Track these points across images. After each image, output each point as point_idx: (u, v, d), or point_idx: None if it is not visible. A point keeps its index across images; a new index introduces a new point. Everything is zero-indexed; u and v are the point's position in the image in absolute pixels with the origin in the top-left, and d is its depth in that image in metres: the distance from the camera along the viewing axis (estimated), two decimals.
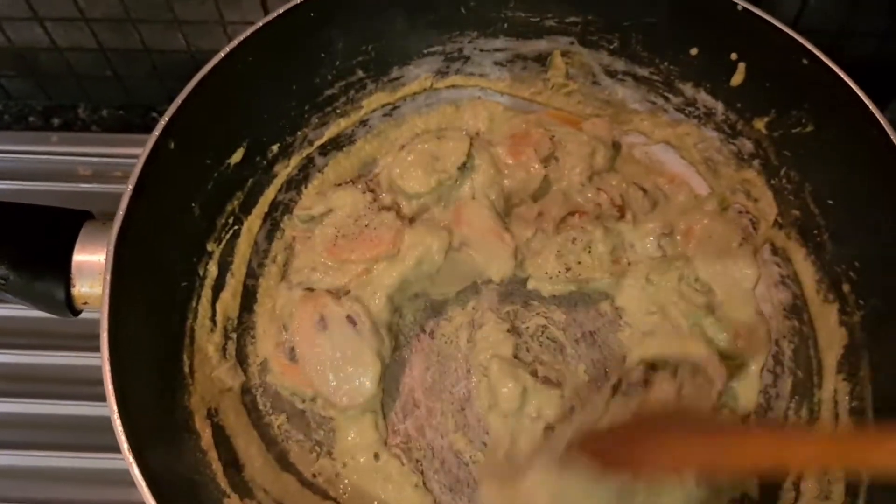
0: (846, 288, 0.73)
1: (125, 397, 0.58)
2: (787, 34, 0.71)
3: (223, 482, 0.68)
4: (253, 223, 0.79)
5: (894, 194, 0.67)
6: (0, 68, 1.03)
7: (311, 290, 0.76)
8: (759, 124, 0.78)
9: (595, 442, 0.63)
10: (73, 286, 0.62)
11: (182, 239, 0.72)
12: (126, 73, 1.03)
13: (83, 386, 0.86)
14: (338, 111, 0.83)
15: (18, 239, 0.62)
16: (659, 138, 0.86)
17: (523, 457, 0.71)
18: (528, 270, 0.78)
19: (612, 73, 0.85)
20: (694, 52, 0.79)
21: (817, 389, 0.74)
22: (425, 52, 0.84)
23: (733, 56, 0.76)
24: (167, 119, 0.66)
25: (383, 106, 0.86)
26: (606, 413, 0.68)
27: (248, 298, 0.78)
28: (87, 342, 0.87)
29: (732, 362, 0.75)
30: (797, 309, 0.78)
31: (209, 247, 0.75)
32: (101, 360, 0.58)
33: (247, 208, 0.79)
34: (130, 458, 0.55)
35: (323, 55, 0.79)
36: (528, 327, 0.80)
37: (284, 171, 0.81)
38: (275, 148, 0.80)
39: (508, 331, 0.77)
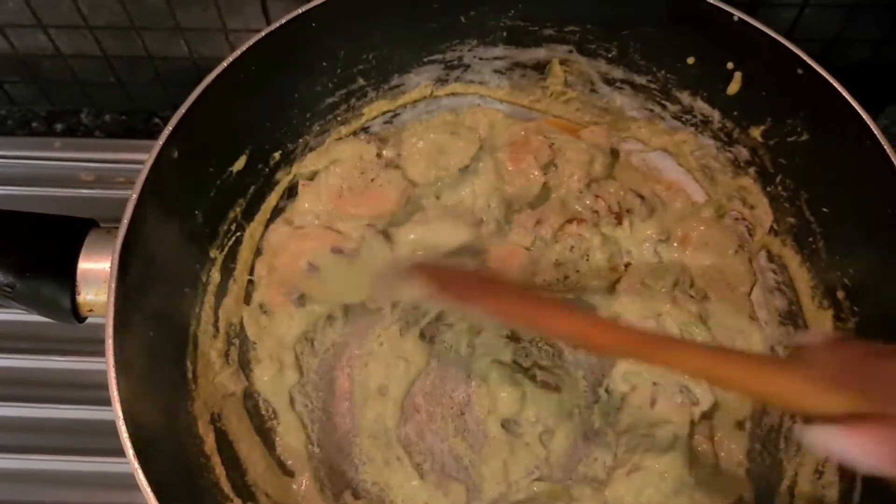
0: (841, 295, 0.74)
1: (130, 403, 0.58)
2: (783, 44, 0.71)
3: (226, 486, 0.69)
4: (255, 230, 0.80)
5: (888, 202, 0.68)
6: (4, 74, 1.04)
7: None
8: (755, 132, 0.79)
9: (436, 269, 0.67)
10: (79, 294, 0.63)
11: (185, 246, 0.72)
12: (129, 80, 1.04)
13: (87, 390, 0.87)
14: (339, 119, 0.84)
15: (24, 247, 0.63)
16: (656, 145, 0.87)
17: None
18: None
19: (610, 81, 0.85)
20: (691, 61, 0.80)
21: None
22: (425, 60, 0.84)
23: (729, 65, 0.77)
24: (171, 129, 0.66)
25: (384, 113, 0.86)
26: None
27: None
28: (91, 346, 0.88)
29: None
30: (792, 315, 0.79)
31: (212, 253, 0.76)
32: (107, 366, 0.58)
33: (249, 215, 0.79)
34: (136, 465, 0.56)
35: (324, 64, 0.79)
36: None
37: (286, 178, 0.82)
38: (277, 155, 0.80)
39: (507, 336, 0.78)
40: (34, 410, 0.86)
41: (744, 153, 0.81)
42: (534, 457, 0.76)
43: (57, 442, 0.85)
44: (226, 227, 0.77)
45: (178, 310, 0.72)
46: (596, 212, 0.80)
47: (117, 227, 0.62)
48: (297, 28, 0.73)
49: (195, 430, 0.68)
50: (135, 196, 0.63)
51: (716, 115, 0.82)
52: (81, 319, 0.65)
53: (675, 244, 0.82)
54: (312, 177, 0.81)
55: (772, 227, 0.81)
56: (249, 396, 0.76)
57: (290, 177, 0.82)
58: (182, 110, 0.68)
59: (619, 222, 0.80)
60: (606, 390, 0.78)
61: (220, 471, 0.69)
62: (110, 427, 0.57)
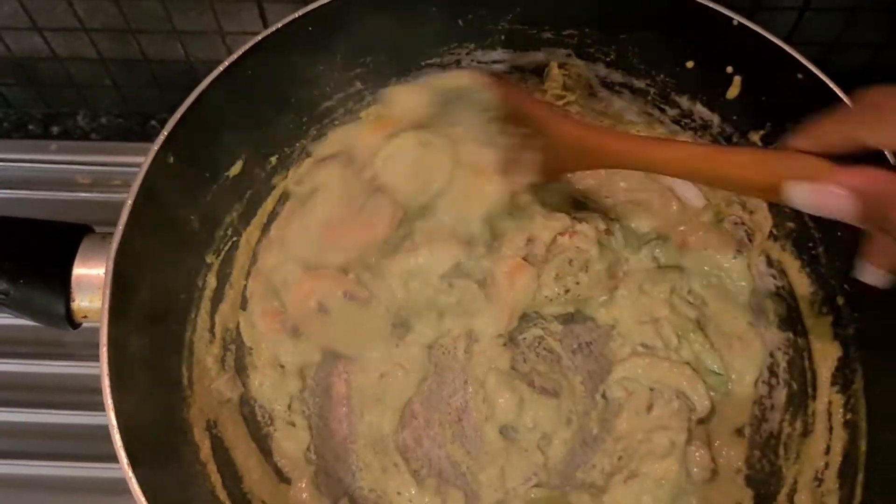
0: (840, 301, 0.73)
1: (124, 410, 0.58)
2: (782, 49, 0.71)
3: (222, 494, 0.68)
4: (251, 235, 0.80)
5: None
6: (0, 77, 1.04)
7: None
8: (755, 137, 0.79)
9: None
10: (73, 300, 0.62)
11: (181, 251, 0.72)
12: (125, 83, 1.03)
13: (80, 395, 0.86)
14: (336, 122, 0.84)
15: (18, 254, 0.62)
16: None
17: None
18: None
19: (608, 85, 0.85)
20: (690, 65, 0.79)
21: (811, 401, 0.75)
22: (423, 63, 0.84)
23: (729, 69, 0.77)
24: (166, 133, 0.66)
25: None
26: None
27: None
28: (85, 351, 0.87)
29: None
30: (792, 321, 0.79)
31: (208, 259, 0.75)
32: (101, 374, 0.58)
33: (245, 220, 0.79)
34: (130, 473, 0.56)
35: (321, 68, 0.79)
36: (525, 338, 0.80)
37: (283, 182, 0.82)
38: (273, 160, 0.80)
39: (504, 345, 0.78)
40: (27, 415, 0.86)
41: None
42: (531, 463, 0.76)
43: (50, 447, 0.84)
44: (222, 232, 0.76)
45: (174, 315, 0.71)
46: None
47: (112, 233, 0.62)
48: (293, 32, 0.73)
49: (191, 437, 0.68)
50: (130, 201, 0.63)
51: (715, 119, 0.81)
52: (76, 326, 0.64)
53: (674, 248, 0.82)
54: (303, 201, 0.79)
55: (771, 232, 0.81)
56: (246, 403, 0.76)
57: (287, 181, 0.82)
58: (178, 114, 0.67)
59: (609, 234, 0.80)
60: (604, 396, 0.78)
61: (215, 478, 0.69)
62: (104, 432, 0.57)
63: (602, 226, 0.78)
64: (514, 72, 0.86)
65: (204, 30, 0.94)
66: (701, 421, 0.75)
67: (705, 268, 0.81)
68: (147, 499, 0.56)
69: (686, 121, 0.84)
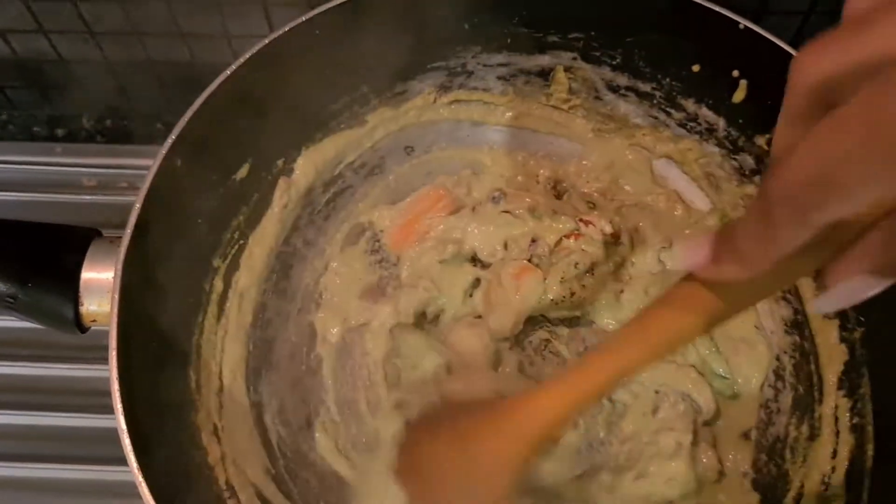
0: None
1: (134, 414, 0.58)
2: (788, 53, 0.71)
3: (231, 499, 0.68)
4: (257, 238, 0.79)
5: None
6: (5, 79, 1.04)
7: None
8: (761, 141, 0.79)
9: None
10: (82, 304, 0.62)
11: (188, 255, 0.72)
12: (131, 85, 1.04)
13: (88, 397, 0.86)
14: (342, 126, 0.84)
15: (27, 258, 0.62)
16: (661, 153, 0.87)
17: None
18: None
19: (614, 89, 0.85)
20: (696, 68, 0.79)
21: (818, 405, 0.75)
22: (429, 66, 0.84)
23: (735, 73, 0.77)
24: (174, 137, 0.66)
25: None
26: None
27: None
28: (93, 353, 0.87)
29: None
30: (798, 324, 0.79)
31: (215, 262, 0.75)
32: (110, 377, 0.58)
33: (252, 224, 0.79)
34: (140, 478, 0.56)
35: (327, 71, 0.79)
36: (531, 341, 0.80)
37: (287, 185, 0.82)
38: (279, 163, 0.80)
39: (511, 347, 0.78)
40: (36, 418, 0.86)
41: (749, 161, 0.81)
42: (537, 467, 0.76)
43: (58, 450, 0.84)
44: (228, 236, 0.76)
45: (181, 319, 0.71)
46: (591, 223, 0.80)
47: (120, 237, 0.62)
48: (300, 35, 0.73)
49: (199, 441, 0.68)
50: (138, 205, 0.63)
51: (721, 122, 0.82)
52: (84, 330, 0.64)
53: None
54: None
55: None
56: (255, 406, 0.76)
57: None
58: (186, 118, 0.67)
59: (616, 242, 0.80)
60: (609, 400, 0.78)
61: (223, 482, 0.68)
62: (112, 435, 0.57)
63: (609, 229, 0.78)
64: (519, 75, 0.86)
65: (209, 32, 0.94)
66: (706, 423, 0.76)
67: None
68: (156, 501, 0.56)
69: (692, 124, 0.84)
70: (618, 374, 0.48)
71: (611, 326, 0.80)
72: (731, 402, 0.77)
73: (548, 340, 0.80)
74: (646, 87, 0.84)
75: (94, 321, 0.63)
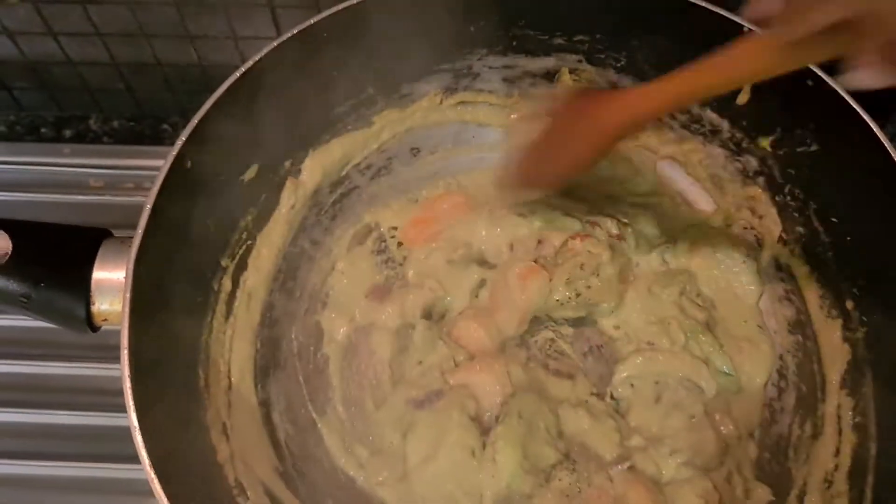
0: (849, 305, 0.74)
1: (145, 413, 0.59)
2: None
3: (240, 496, 0.69)
4: (265, 238, 0.80)
5: None
6: (13, 80, 1.05)
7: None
8: (764, 142, 0.79)
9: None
10: (93, 304, 0.63)
11: (197, 255, 0.72)
12: (138, 86, 1.04)
13: (100, 395, 0.87)
14: (349, 127, 0.84)
15: (40, 258, 0.63)
16: (665, 154, 0.87)
17: None
18: None
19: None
20: None
21: (821, 404, 0.75)
22: (435, 68, 0.85)
23: None
24: (183, 139, 0.67)
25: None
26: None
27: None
28: (103, 353, 0.88)
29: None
30: (801, 324, 0.80)
31: (223, 262, 0.76)
32: (122, 376, 0.59)
33: (260, 224, 0.80)
34: (152, 475, 0.56)
35: (334, 73, 0.80)
36: (536, 340, 0.81)
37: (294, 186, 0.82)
38: (287, 164, 0.81)
39: (518, 346, 0.79)
40: (47, 416, 0.87)
41: (753, 163, 0.82)
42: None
43: (69, 448, 0.85)
44: (237, 236, 0.77)
45: (190, 318, 0.72)
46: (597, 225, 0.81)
47: (131, 237, 0.62)
48: (308, 38, 0.74)
49: (208, 439, 0.69)
50: (149, 206, 0.64)
51: (725, 124, 0.82)
52: (95, 329, 0.65)
53: (683, 252, 0.83)
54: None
55: (780, 236, 0.81)
56: (262, 405, 0.77)
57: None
58: (195, 120, 0.68)
59: (620, 239, 0.81)
60: (612, 397, 0.78)
61: (232, 479, 0.69)
62: (123, 433, 0.57)
63: (614, 230, 0.79)
64: (524, 77, 0.87)
65: (217, 34, 0.94)
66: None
67: (714, 271, 0.82)
68: (169, 500, 0.57)
69: (696, 126, 0.84)
70: (691, 92, 0.64)
71: (615, 327, 0.81)
72: (734, 398, 0.77)
73: (552, 340, 0.81)
74: None
75: (105, 320, 0.64)
